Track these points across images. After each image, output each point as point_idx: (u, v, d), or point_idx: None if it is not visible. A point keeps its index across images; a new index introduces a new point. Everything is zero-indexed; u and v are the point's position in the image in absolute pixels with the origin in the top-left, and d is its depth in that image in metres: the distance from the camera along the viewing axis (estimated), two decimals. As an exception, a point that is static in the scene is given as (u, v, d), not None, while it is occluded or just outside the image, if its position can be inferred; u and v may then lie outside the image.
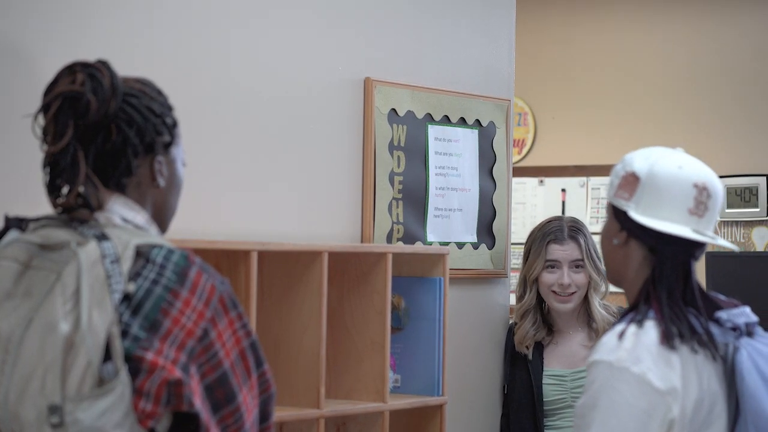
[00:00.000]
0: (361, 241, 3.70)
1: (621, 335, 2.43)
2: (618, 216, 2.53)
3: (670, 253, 2.49)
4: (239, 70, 3.41)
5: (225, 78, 3.38)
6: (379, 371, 3.45)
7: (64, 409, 1.96)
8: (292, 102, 3.55)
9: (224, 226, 3.34)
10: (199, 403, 2.02)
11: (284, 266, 3.31)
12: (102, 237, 2.05)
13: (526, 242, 4.08)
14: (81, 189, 2.10)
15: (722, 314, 2.49)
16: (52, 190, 2.13)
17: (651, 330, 2.43)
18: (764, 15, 7.42)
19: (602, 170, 7.47)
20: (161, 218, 2.23)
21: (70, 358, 1.96)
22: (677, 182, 2.49)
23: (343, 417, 3.47)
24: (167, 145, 2.21)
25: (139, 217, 2.16)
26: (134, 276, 2.04)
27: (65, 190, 2.12)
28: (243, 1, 3.43)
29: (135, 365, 1.99)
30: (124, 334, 2.00)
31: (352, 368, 3.49)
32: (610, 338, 2.45)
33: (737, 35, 7.46)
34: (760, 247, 7.26)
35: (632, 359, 2.40)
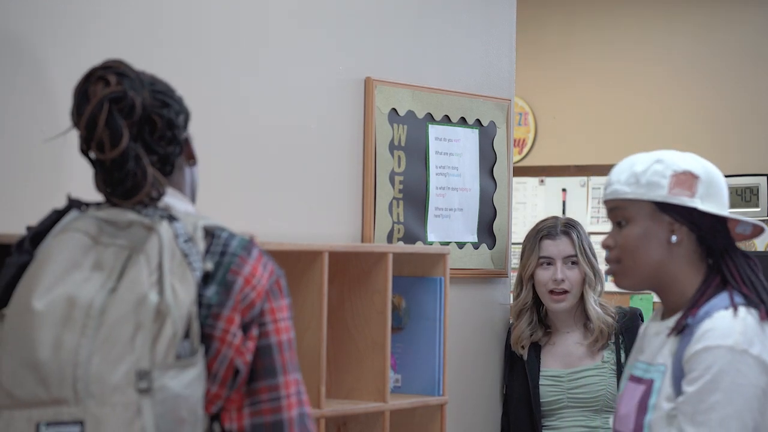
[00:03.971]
0: (362, 241, 3.70)
1: (729, 320, 2.52)
2: (675, 212, 2.58)
3: (735, 239, 2.64)
4: (240, 70, 3.41)
5: (225, 78, 3.38)
6: (379, 371, 3.45)
7: (152, 375, 1.97)
8: (292, 102, 3.55)
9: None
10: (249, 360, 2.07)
11: (284, 266, 3.26)
12: (171, 218, 2.08)
13: (523, 241, 4.09)
14: (152, 191, 2.11)
15: None
16: (112, 193, 2.11)
17: (751, 312, 2.54)
18: (763, 16, 7.41)
19: (602, 170, 7.42)
20: (194, 198, 2.28)
21: (158, 327, 1.98)
22: (721, 178, 2.64)
23: (344, 417, 3.47)
24: (186, 121, 2.23)
25: (189, 206, 2.21)
26: (205, 254, 2.08)
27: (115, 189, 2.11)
28: (244, 2, 3.44)
29: (205, 342, 2.03)
30: (199, 305, 2.04)
31: (352, 368, 3.49)
32: (717, 324, 2.52)
33: (737, 36, 7.46)
34: (760, 247, 7.25)
35: (747, 342, 2.50)
